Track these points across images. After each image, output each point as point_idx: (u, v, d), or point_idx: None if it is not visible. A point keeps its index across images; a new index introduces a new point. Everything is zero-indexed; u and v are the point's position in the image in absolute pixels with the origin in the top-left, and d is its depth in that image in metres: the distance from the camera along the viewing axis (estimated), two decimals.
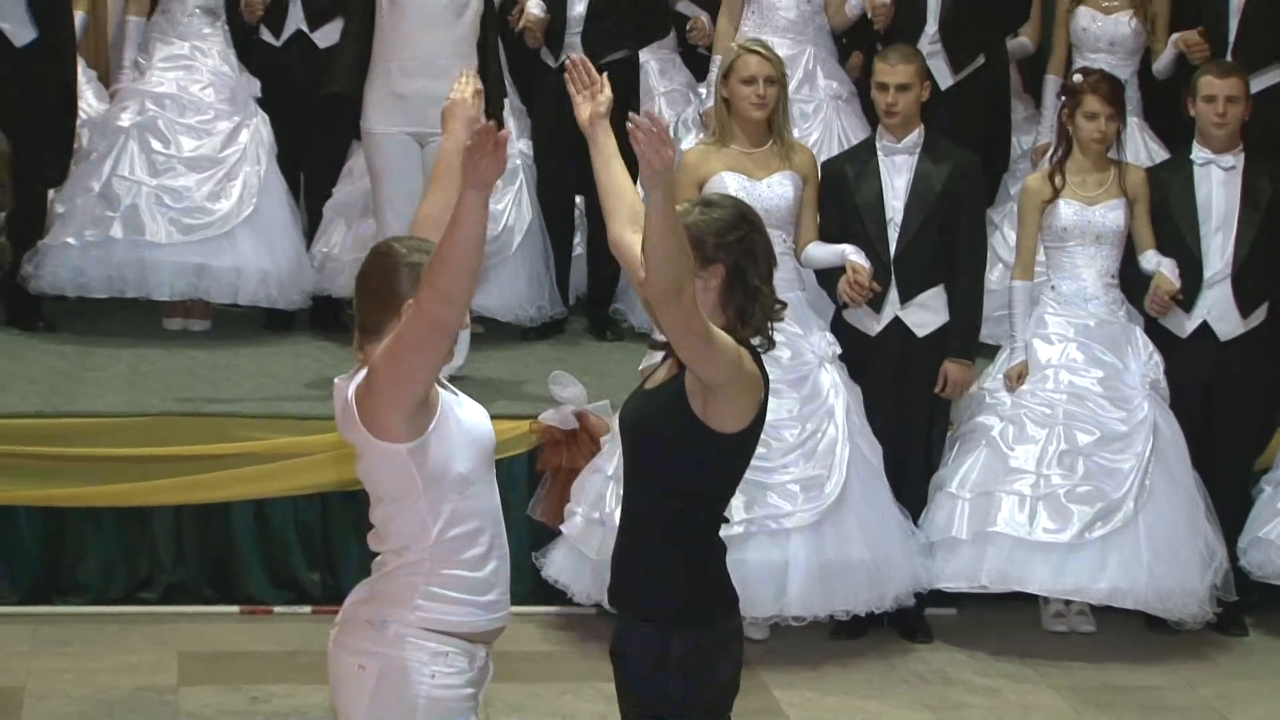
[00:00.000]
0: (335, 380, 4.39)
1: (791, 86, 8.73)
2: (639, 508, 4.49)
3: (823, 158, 7.94)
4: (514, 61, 9.04)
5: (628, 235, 4.61)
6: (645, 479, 4.47)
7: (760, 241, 4.47)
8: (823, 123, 8.82)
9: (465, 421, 4.34)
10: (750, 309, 4.41)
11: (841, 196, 7.55)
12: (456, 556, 4.30)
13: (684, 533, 4.42)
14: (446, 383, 4.40)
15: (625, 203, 4.71)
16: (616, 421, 7.28)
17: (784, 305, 4.51)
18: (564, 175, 9.16)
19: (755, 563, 6.97)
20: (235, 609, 7.64)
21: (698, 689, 4.42)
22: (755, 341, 4.42)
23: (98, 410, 7.76)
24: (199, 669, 7.05)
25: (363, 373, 4.27)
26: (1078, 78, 7.73)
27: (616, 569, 4.58)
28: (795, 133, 8.56)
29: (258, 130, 8.92)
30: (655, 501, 4.44)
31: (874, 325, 7.55)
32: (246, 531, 7.68)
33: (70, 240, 8.73)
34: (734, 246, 4.41)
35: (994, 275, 8.37)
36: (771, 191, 7.28)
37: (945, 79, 8.76)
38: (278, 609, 7.65)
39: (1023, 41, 9.59)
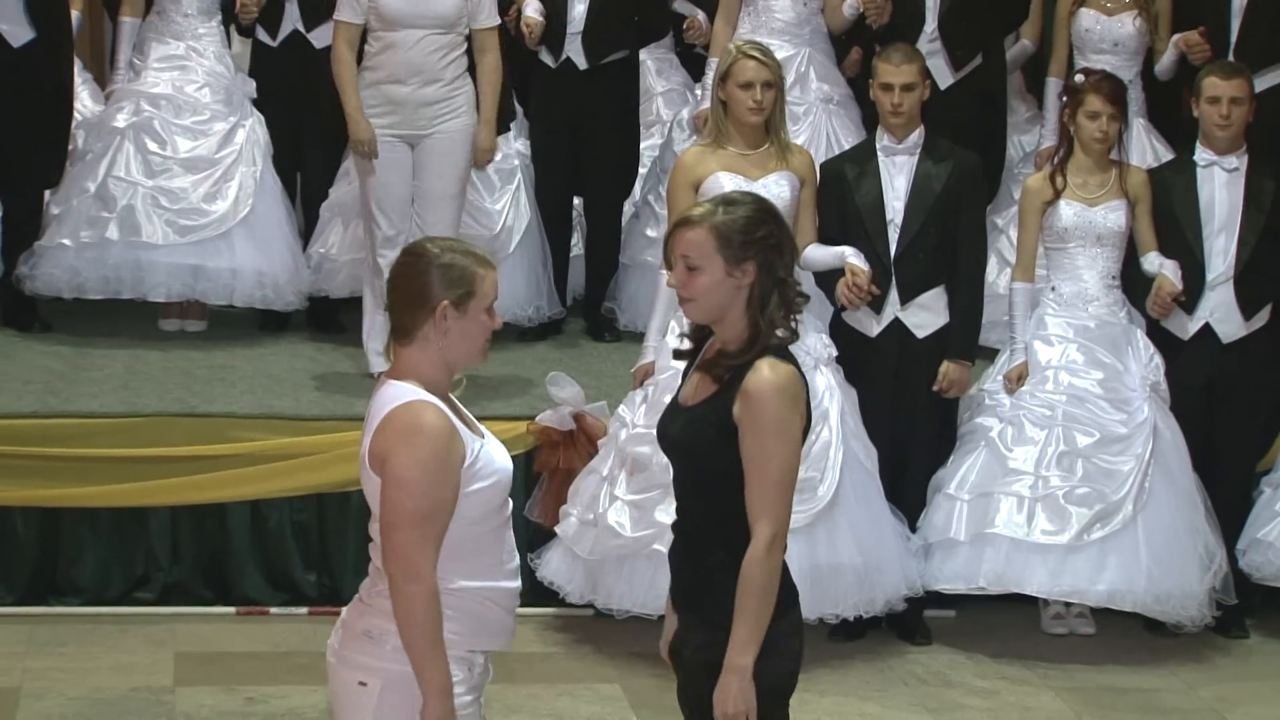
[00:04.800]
0: (377, 390, 4.29)
1: None
2: (693, 515, 4.50)
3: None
4: (512, 62, 9.01)
5: None
6: (696, 491, 4.48)
7: (784, 234, 4.50)
8: (811, 125, 8.78)
9: (491, 465, 4.27)
10: (777, 302, 4.41)
11: (841, 198, 7.52)
12: (456, 578, 4.25)
13: (740, 538, 4.39)
14: (470, 417, 4.32)
15: None
16: (613, 423, 7.30)
17: (806, 297, 4.53)
18: (561, 176, 9.14)
19: None
20: (232, 610, 7.64)
21: (756, 686, 4.39)
22: (781, 334, 4.42)
23: (94, 411, 7.76)
24: (195, 670, 7.04)
25: (390, 407, 4.19)
26: (1079, 77, 7.71)
27: (676, 572, 4.57)
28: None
29: (253, 131, 8.89)
30: (708, 509, 4.45)
31: (874, 326, 7.53)
32: (243, 532, 7.67)
33: (66, 241, 8.70)
34: (762, 242, 4.42)
35: (1002, 280, 8.35)
36: (768, 192, 7.23)
37: (945, 78, 8.73)
38: (274, 610, 7.64)
39: (1024, 44, 9.57)
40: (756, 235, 4.41)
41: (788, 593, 4.49)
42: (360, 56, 8.08)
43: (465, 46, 8.09)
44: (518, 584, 4.36)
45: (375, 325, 8.02)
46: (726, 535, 4.41)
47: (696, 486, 4.49)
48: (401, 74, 7.98)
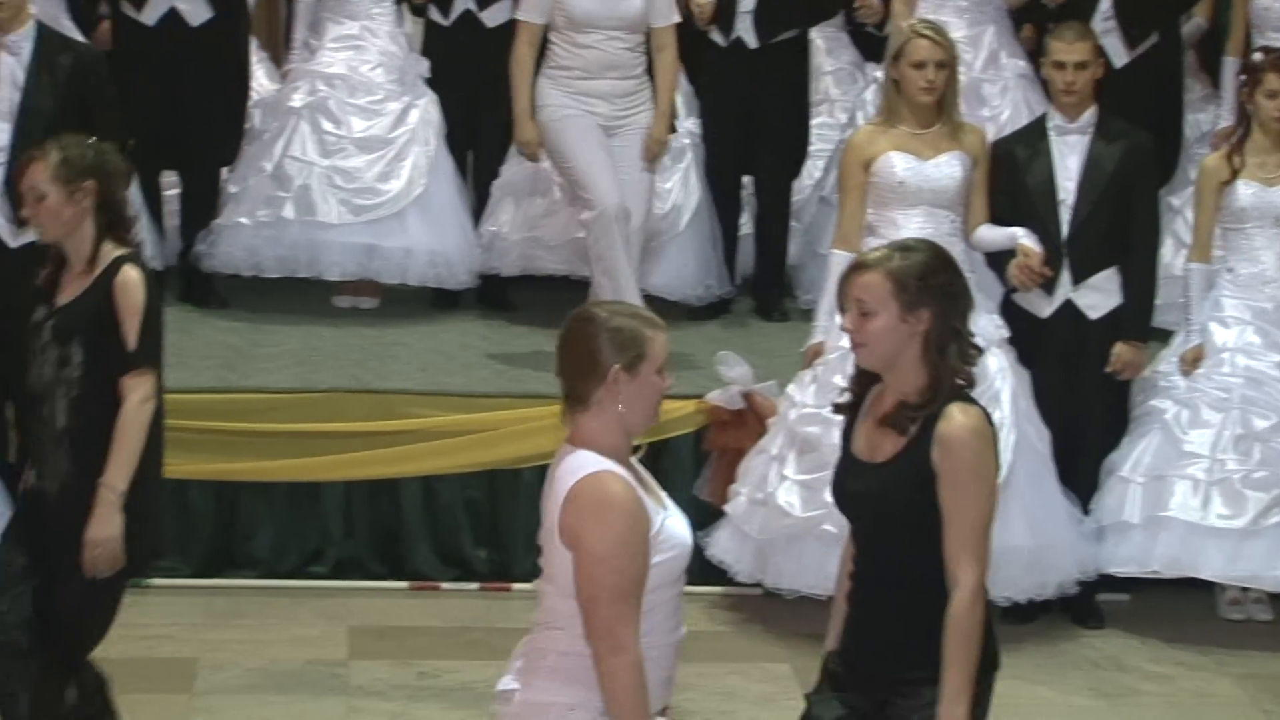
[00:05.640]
0: (559, 457, 4.25)
1: (977, 66, 8.70)
2: (878, 567, 4.46)
3: None
4: (683, 40, 9.03)
5: None
6: (885, 543, 4.44)
7: (959, 282, 4.45)
8: (1012, 102, 8.75)
9: (674, 539, 4.24)
10: (953, 351, 4.37)
11: (1011, 178, 7.46)
12: None
13: (930, 589, 4.36)
14: (652, 483, 4.28)
15: None
16: (782, 403, 7.29)
17: (980, 350, 4.49)
18: (731, 155, 9.15)
19: None
20: (404, 584, 7.70)
21: None
22: (960, 381, 4.38)
23: (269, 386, 7.87)
24: (369, 643, 7.12)
25: (575, 478, 4.15)
26: (1258, 56, 7.59)
27: (855, 625, 4.53)
28: (985, 112, 8.52)
29: (427, 110, 8.95)
30: (897, 561, 4.42)
31: (1045, 307, 7.46)
32: (415, 508, 7.74)
33: (244, 220, 8.81)
34: (938, 290, 4.38)
35: (1177, 261, 8.24)
36: (940, 171, 7.21)
37: (1120, 57, 8.64)
38: (445, 585, 7.70)
39: (1197, 22, 9.45)
40: (933, 282, 4.37)
41: (989, 655, 4.44)
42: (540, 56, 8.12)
43: (645, 44, 8.13)
44: (678, 651, 4.32)
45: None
46: (919, 588, 4.37)
47: (885, 541, 4.44)
48: (595, 69, 8.03)
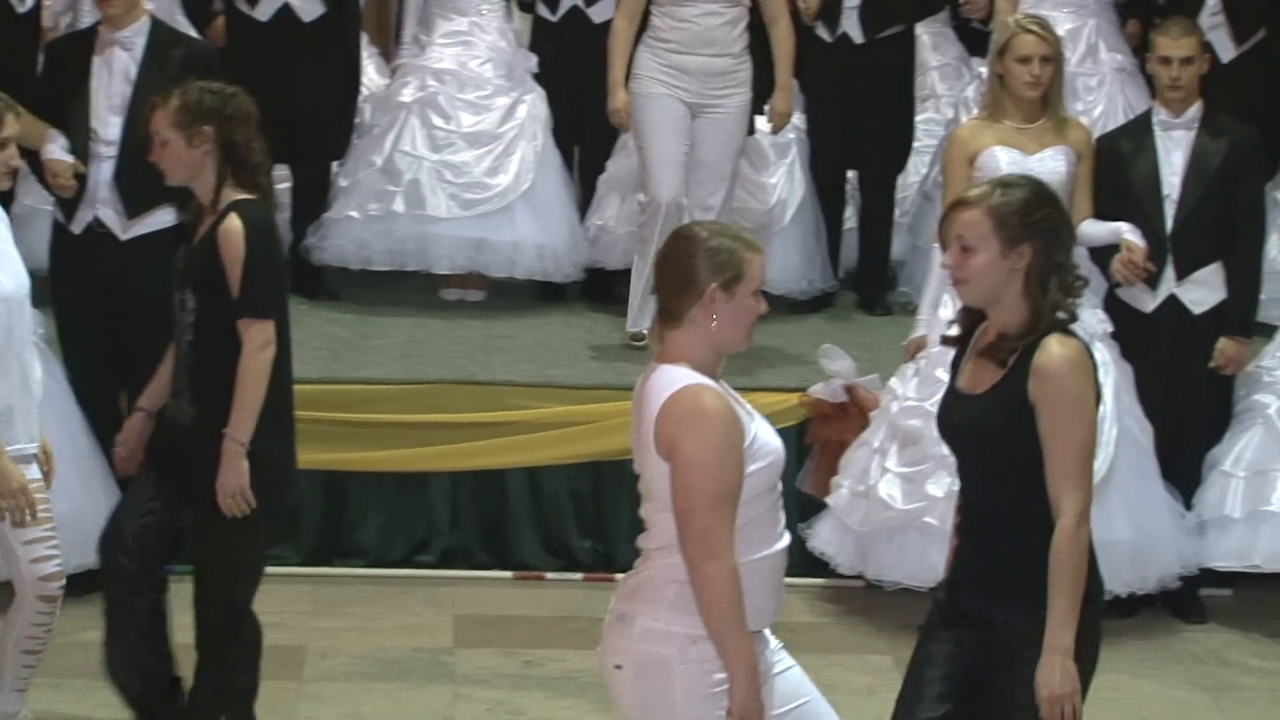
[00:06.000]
0: (649, 374, 4.35)
1: (1074, 60, 8.66)
2: (983, 500, 4.51)
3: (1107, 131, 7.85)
4: None
5: None
6: (987, 477, 4.49)
7: (1062, 217, 4.49)
8: (1107, 96, 8.73)
9: (767, 445, 4.32)
10: (1056, 284, 4.40)
11: (1116, 173, 7.45)
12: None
13: (1036, 519, 4.40)
14: (738, 397, 4.35)
15: None
16: (884, 396, 7.32)
17: (1085, 280, 4.52)
18: (836, 150, 9.18)
19: None
20: (509, 574, 7.76)
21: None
22: (1061, 315, 4.42)
23: (377, 377, 7.95)
24: (474, 632, 7.18)
25: (669, 391, 4.24)
26: None
27: (960, 555, 4.59)
28: (1079, 106, 8.49)
29: (534, 105, 9.02)
30: (1001, 494, 4.46)
31: (1149, 302, 7.45)
32: (521, 498, 7.80)
33: (353, 214, 8.92)
34: (1039, 225, 4.42)
35: None
36: (1044, 166, 7.20)
37: (1227, 51, 8.60)
38: (550, 575, 7.76)
39: None
40: (1033, 218, 4.40)
41: (1093, 582, 4.47)
42: (642, 28, 8.19)
43: (747, 20, 8.16)
44: (785, 561, 4.40)
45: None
46: (1022, 518, 4.41)
47: (987, 472, 4.49)
48: (693, 45, 8.09)
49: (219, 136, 5.56)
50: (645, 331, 8.07)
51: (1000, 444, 4.42)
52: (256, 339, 5.50)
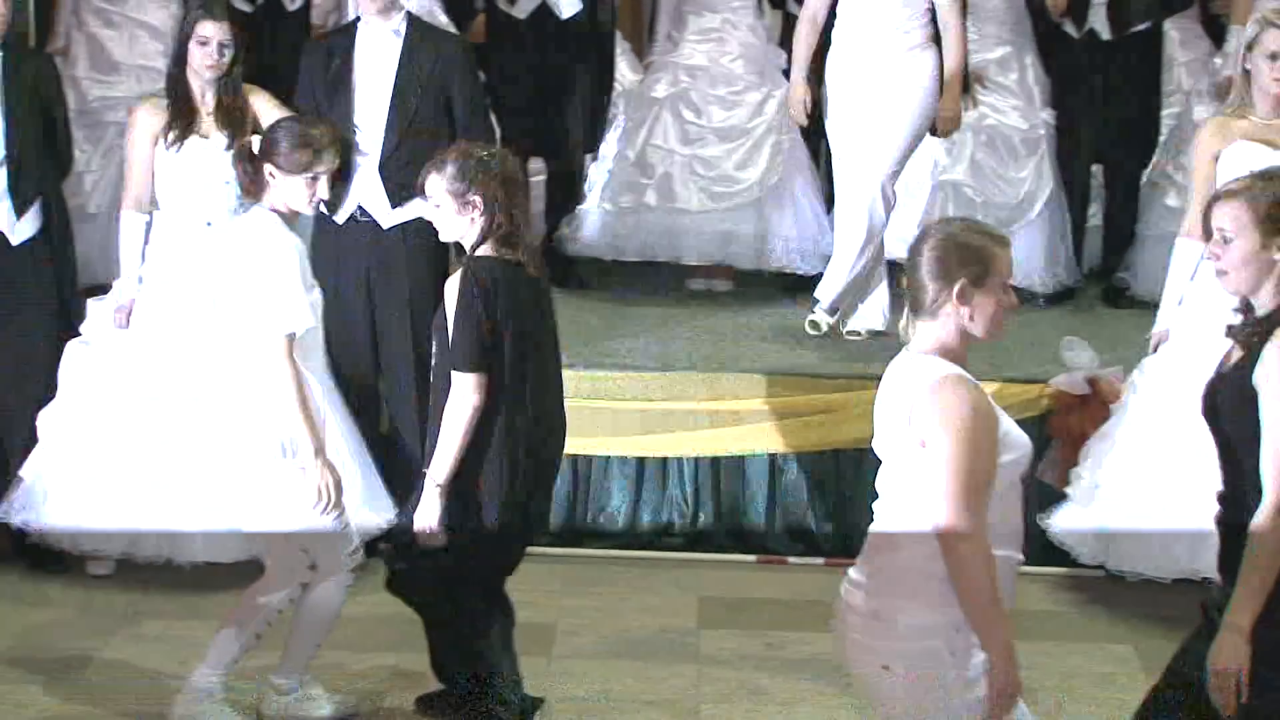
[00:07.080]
0: (903, 364, 4.45)
1: None
2: (1225, 480, 4.53)
3: None
4: (1035, 30, 9.12)
5: None
6: (1226, 457, 4.52)
7: None
8: None
9: (1018, 438, 4.40)
10: None
11: None
12: None
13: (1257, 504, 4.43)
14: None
15: None
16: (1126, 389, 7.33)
17: None
18: (1083, 145, 9.18)
19: None
20: (752, 558, 7.84)
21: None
22: None
23: (627, 364, 8.08)
24: (718, 614, 7.25)
25: (928, 382, 4.34)
26: None
27: (1220, 539, 4.58)
28: None
29: (783, 101, 9.13)
30: (1237, 475, 4.48)
31: None
32: (762, 484, 7.89)
33: (606, 205, 9.11)
34: None
35: None
36: None
37: None
38: (792, 560, 7.84)
39: None
40: None
41: None
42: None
43: (931, 16, 8.11)
44: (1021, 555, 4.47)
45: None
46: (1254, 501, 4.42)
47: (1225, 453, 4.53)
48: (872, 33, 8.05)
49: (484, 201, 5.67)
50: (830, 321, 8.17)
51: (1228, 425, 4.46)
52: (457, 390, 5.65)
